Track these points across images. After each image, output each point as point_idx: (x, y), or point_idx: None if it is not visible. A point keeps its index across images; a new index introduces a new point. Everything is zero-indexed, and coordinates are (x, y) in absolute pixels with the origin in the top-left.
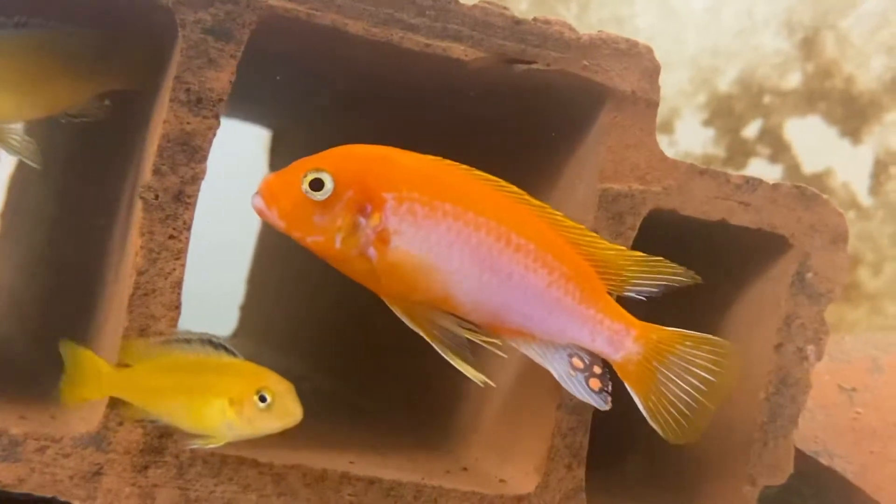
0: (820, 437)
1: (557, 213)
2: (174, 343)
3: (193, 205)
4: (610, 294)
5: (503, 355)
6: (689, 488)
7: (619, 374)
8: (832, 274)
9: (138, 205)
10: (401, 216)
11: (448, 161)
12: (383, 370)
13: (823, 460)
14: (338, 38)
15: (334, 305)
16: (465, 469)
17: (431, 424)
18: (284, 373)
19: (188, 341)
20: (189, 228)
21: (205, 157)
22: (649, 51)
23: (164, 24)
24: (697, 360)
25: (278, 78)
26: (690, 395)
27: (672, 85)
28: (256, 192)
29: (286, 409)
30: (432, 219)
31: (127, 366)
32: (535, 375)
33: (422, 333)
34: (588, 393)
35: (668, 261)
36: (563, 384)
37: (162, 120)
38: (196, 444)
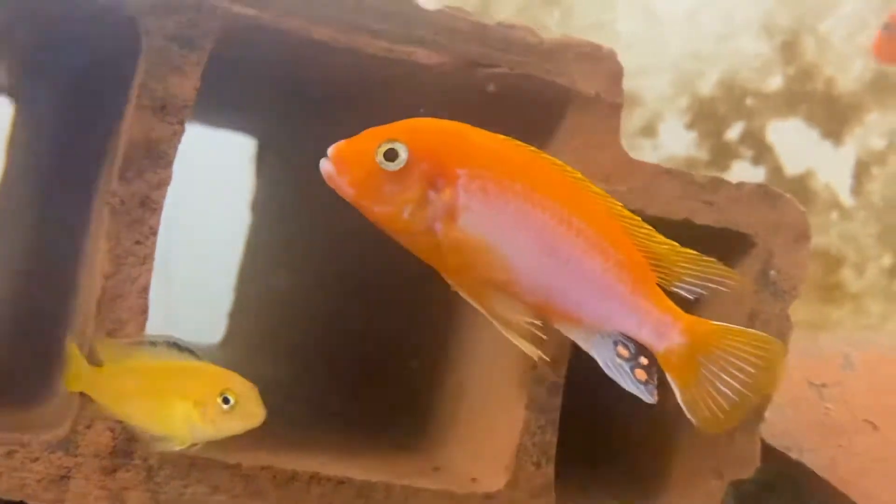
0: (791, 432)
1: (616, 202)
2: (141, 346)
3: (160, 210)
4: (659, 286)
5: (546, 358)
6: (658, 482)
7: (661, 365)
8: (795, 271)
9: (104, 210)
10: (472, 193)
11: (517, 142)
12: (367, 375)
13: (793, 455)
14: (304, 45)
15: (320, 312)
16: (437, 468)
17: (409, 425)
18: (269, 378)
19: (154, 344)
20: (155, 234)
21: (170, 163)
22: (613, 54)
23: (129, 31)
24: (743, 355)
25: (259, 86)
26: (732, 388)
27: (655, 89)
28: (327, 158)
29: (249, 411)
30: (502, 198)
31: (97, 365)
32: (504, 374)
33: (481, 309)
34: (634, 383)
35: (720, 263)
36: (609, 372)
37: (127, 126)
38: (162, 447)
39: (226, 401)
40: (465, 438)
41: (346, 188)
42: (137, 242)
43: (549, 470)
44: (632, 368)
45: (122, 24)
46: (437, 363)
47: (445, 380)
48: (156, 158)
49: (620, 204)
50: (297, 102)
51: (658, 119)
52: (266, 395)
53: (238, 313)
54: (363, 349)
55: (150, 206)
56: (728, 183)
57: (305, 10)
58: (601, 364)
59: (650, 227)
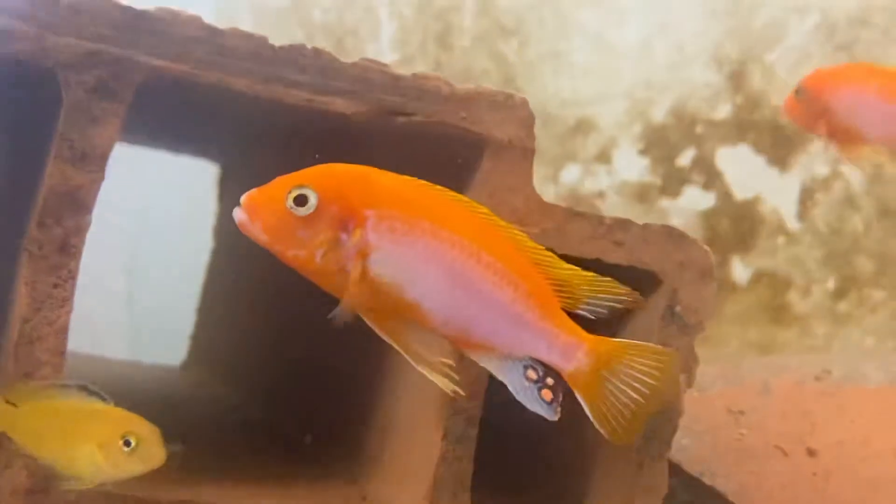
0: (706, 458)
1: (521, 233)
2: (54, 388)
3: (79, 255)
4: (564, 310)
5: (461, 392)
6: None
7: (570, 385)
8: (700, 307)
9: (23, 255)
10: (381, 233)
11: (422, 182)
12: (314, 402)
13: (707, 480)
14: (226, 94)
15: (275, 338)
16: (364, 499)
17: (342, 454)
18: (225, 402)
19: (66, 387)
20: (74, 277)
21: (90, 210)
22: (524, 103)
23: (49, 84)
24: (641, 368)
25: (213, 115)
26: (634, 399)
27: (609, 116)
28: (239, 207)
29: (149, 453)
30: (411, 236)
31: (15, 405)
32: (424, 406)
33: (397, 346)
34: (539, 403)
35: (616, 282)
36: (517, 396)
37: (47, 174)
38: (71, 487)
39: (127, 443)
40: (392, 468)
41: (259, 235)
42: (56, 286)
43: (466, 499)
44: (538, 389)
45: (44, 77)
46: (371, 393)
47: (377, 409)
48: (75, 206)
49: (525, 235)
50: (252, 133)
51: (612, 145)
52: (219, 420)
53: (199, 336)
54: (311, 376)
55: (68, 250)
56: (636, 224)
57: (223, 63)
58: (511, 389)
59: (553, 255)
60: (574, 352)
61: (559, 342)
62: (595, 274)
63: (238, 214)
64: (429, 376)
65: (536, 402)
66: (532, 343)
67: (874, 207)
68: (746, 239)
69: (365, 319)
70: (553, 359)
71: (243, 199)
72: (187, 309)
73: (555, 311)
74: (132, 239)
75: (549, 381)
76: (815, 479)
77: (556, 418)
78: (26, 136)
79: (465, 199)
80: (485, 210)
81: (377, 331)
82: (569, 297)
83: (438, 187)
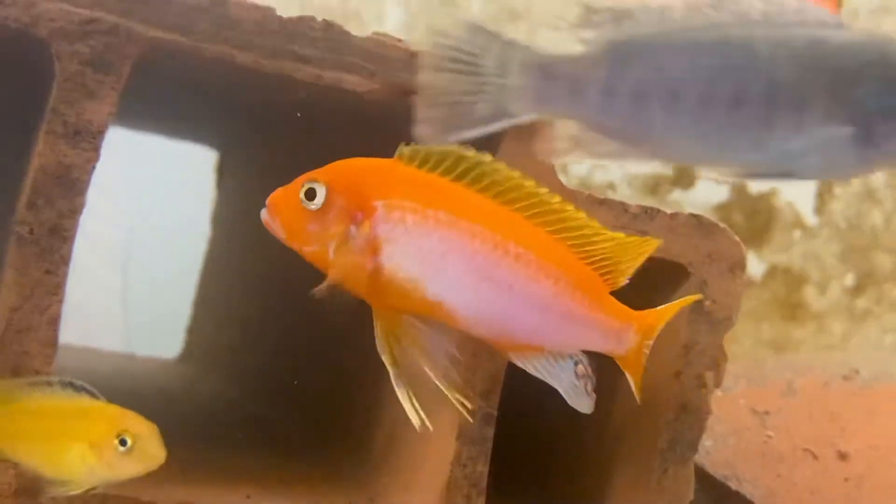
0: (731, 461)
1: (559, 205)
2: (37, 386)
3: (72, 238)
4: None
5: (469, 419)
6: None
7: (621, 366)
8: (730, 301)
9: (12, 239)
10: (392, 224)
11: (455, 149)
12: (315, 399)
13: (732, 485)
14: (230, 69)
15: (275, 331)
16: (371, 500)
17: (347, 454)
18: (222, 397)
19: (50, 384)
20: (67, 263)
21: (84, 190)
22: None
23: (41, 55)
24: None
25: (213, 99)
26: None
27: None
28: (265, 207)
29: (148, 453)
30: (424, 227)
31: None
32: (437, 403)
33: (385, 359)
34: (585, 398)
35: (654, 239)
36: (568, 398)
37: (38, 152)
38: (59, 492)
39: (123, 443)
40: (401, 469)
41: (279, 231)
42: (47, 272)
43: (480, 502)
44: (585, 385)
45: (36, 48)
46: (379, 391)
47: (386, 406)
48: (68, 186)
49: (563, 205)
50: (253, 116)
51: None
52: (217, 415)
53: (196, 329)
54: (312, 372)
55: (61, 234)
56: (662, 213)
57: (228, 36)
58: (562, 392)
59: (593, 226)
60: (626, 335)
61: (613, 329)
62: (637, 237)
63: (263, 214)
64: (404, 405)
65: (585, 397)
66: (584, 336)
67: (894, 201)
68: (761, 233)
69: (375, 323)
70: (608, 346)
71: (269, 197)
72: (184, 300)
73: (603, 296)
74: (127, 228)
75: (593, 373)
76: (847, 484)
77: (590, 411)
78: (15, 110)
79: (501, 165)
80: (517, 174)
81: (377, 340)
82: (614, 273)
83: (471, 157)
